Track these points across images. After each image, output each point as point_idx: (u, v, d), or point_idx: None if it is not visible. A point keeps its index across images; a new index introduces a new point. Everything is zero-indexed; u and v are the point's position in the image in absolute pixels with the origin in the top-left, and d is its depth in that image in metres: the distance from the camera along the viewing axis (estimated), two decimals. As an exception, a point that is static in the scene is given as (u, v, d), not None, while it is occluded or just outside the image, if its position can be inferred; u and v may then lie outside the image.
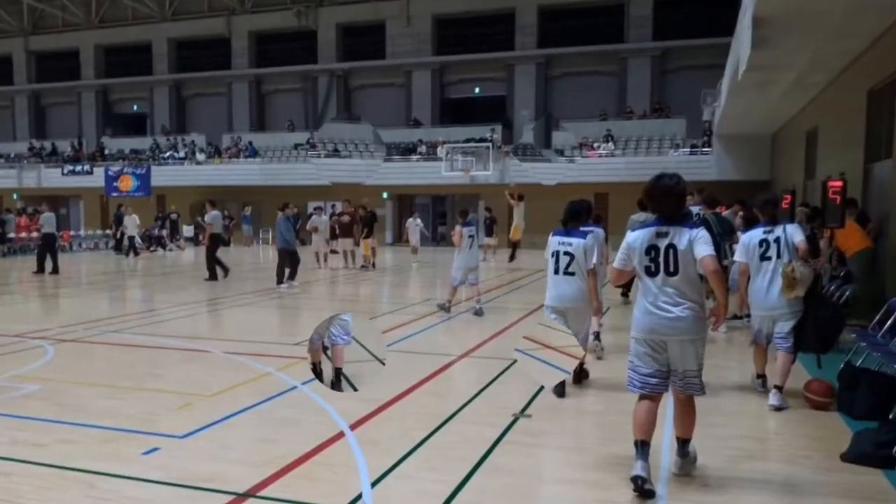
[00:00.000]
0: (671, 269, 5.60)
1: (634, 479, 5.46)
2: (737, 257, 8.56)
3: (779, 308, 8.03)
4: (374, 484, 5.72)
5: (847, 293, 11.60)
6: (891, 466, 6.06)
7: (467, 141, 41.41)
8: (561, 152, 40.14)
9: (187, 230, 41.34)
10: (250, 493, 5.54)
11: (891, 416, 6.88)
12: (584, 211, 8.86)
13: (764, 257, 8.12)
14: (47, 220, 24.64)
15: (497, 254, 30.36)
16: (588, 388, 8.90)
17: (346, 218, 26.17)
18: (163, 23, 52.29)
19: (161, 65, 53.04)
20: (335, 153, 43.61)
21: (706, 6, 39.41)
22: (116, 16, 53.67)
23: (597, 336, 10.66)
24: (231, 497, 5.47)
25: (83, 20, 53.84)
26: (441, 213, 43.73)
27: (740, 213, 13.26)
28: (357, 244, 26.12)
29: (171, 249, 37.71)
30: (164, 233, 38.59)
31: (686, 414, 5.90)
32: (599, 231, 9.81)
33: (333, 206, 35.94)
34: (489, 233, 29.74)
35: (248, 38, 50.91)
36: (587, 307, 8.57)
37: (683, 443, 5.95)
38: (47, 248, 24.35)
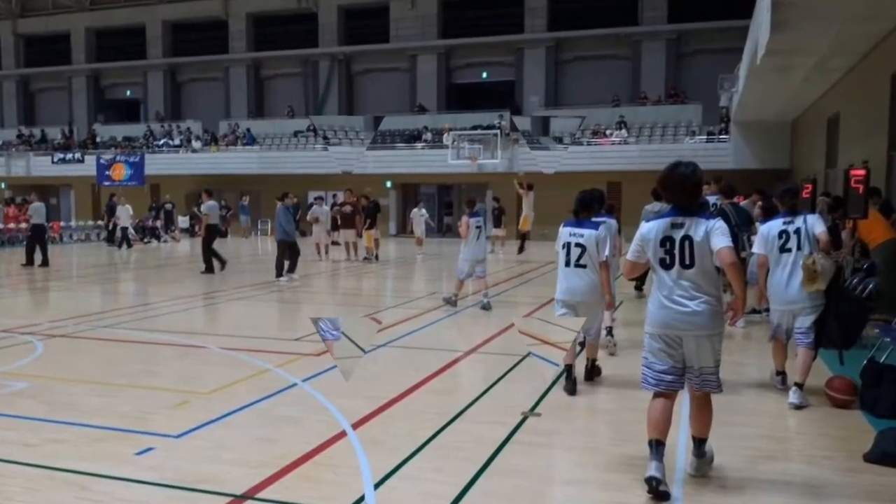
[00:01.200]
0: (687, 261, 5.59)
1: (649, 481, 5.45)
2: (755, 249, 8.53)
3: (799, 302, 8.00)
4: (377, 485, 5.71)
5: (870, 286, 11.56)
6: (916, 467, 6.05)
7: (474, 128, 41.34)
8: (560, 139, 40.11)
9: (182, 221, 41.31)
10: (248, 495, 5.53)
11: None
12: (596, 201, 8.85)
13: (784, 249, 8.09)
14: (36, 211, 24.64)
15: (505, 245, 30.35)
16: (600, 385, 8.89)
17: (348, 208, 26.17)
18: (157, 5, 52.31)
19: (155, 48, 53.07)
20: (325, 140, 43.68)
21: (723, -13, 39.35)
22: (109, -3, 53.76)
23: (609, 331, 10.65)
24: (228, 499, 5.47)
25: (74, 2, 53.90)
26: (447, 203, 43.71)
27: (759, 203, 13.24)
28: (359, 235, 26.13)
29: (165, 241, 37.74)
30: (159, 224, 38.61)
31: (702, 412, 5.88)
32: (612, 222, 9.80)
33: (335, 195, 35.97)
34: (497, 224, 29.74)
35: (246, 21, 50.92)
36: (599, 301, 8.56)
37: (700, 442, 5.94)
38: (36, 239, 24.35)
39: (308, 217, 26.60)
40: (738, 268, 5.58)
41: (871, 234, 12.65)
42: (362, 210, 26.13)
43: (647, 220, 5.87)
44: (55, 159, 47.41)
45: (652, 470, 5.47)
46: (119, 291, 19.48)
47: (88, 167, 43.52)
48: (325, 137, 43.85)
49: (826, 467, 6.17)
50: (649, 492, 5.44)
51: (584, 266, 8.38)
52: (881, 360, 8.53)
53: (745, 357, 10.60)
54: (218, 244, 22.49)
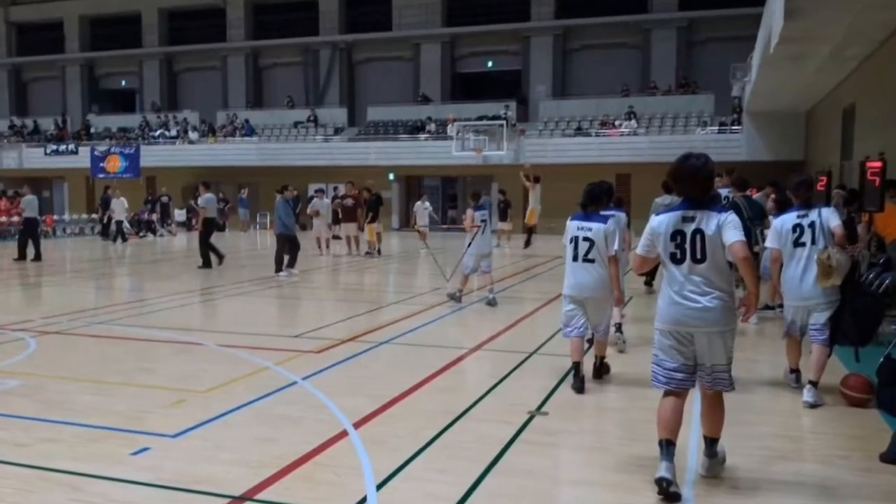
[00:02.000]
0: (698, 255, 5.58)
1: (659, 482, 5.44)
2: (768, 243, 8.51)
3: (814, 298, 7.99)
4: (379, 486, 5.71)
5: (887, 282, 11.51)
6: (934, 468, 6.04)
7: (479, 118, 41.33)
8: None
9: (179, 214, 41.39)
10: (247, 497, 5.54)
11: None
12: (604, 193, 8.83)
13: (798, 243, 8.07)
14: (29, 204, 24.64)
15: (511, 239, 30.36)
16: (609, 383, 8.88)
17: (349, 201, 26.12)
18: (153, -9, 52.32)
19: (151, 36, 53.05)
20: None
21: (736, -27, 39.26)
22: (103, -16, 53.73)
23: (618, 328, 10.63)
24: (226, 500, 5.47)
25: (67, -11, 53.90)
26: (451, 195, 43.60)
27: (772, 195, 13.20)
28: (361, 229, 26.11)
29: (161, 235, 37.77)
30: (155, 217, 38.62)
31: (714, 411, 5.88)
32: (621, 215, 9.78)
33: (336, 188, 35.96)
34: (503, 217, 29.71)
35: (245, 8, 50.86)
36: (608, 297, 8.56)
37: (711, 442, 5.93)
38: (29, 233, 24.36)
39: (308, 210, 26.57)
40: (750, 262, 5.56)
41: (888, 227, 12.63)
42: (364, 203, 26.10)
43: (658, 214, 5.86)
44: (48, 151, 47.43)
45: (662, 470, 5.47)
46: (114, 287, 19.49)
47: (82, 159, 43.55)
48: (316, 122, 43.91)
49: (841, 468, 6.16)
50: (659, 493, 5.43)
51: (592, 261, 8.37)
52: (898, 358, 8.51)
53: (758, 354, 10.59)
54: (215, 238, 22.48)
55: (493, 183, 37.69)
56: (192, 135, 46.82)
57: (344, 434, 6.90)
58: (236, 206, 41.45)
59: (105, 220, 35.09)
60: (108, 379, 9.11)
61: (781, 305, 9.18)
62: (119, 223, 32.96)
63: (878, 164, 11.73)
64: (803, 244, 8.03)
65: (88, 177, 43.21)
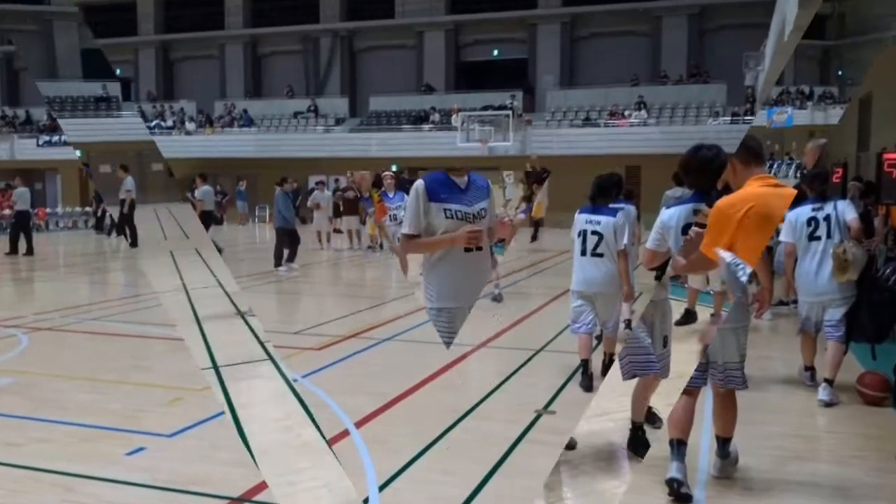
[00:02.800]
0: (710, 250, 5.56)
1: (670, 482, 5.44)
2: (782, 237, 8.49)
3: (829, 293, 7.97)
4: (381, 487, 5.71)
5: (904, 277, 11.52)
6: (954, 469, 6.03)
7: (485, 108, 41.27)
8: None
9: (176, 207, 41.40)
10: (245, 498, 5.54)
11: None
12: (614, 186, 8.80)
13: (812, 237, 8.06)
14: (21, 196, 24.61)
15: (518, 233, 30.31)
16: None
17: (351, 194, 26.11)
18: (148, -21, 52.30)
19: (147, 24, 53.03)
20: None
21: (750, -42, 39.18)
22: (97, -29, 53.71)
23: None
24: (224, 501, 5.48)
25: (61, -24, 53.89)
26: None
27: (787, 188, 13.17)
28: (363, 222, 26.09)
29: (158, 229, 37.79)
30: (151, 210, 38.64)
31: (726, 410, 5.87)
32: (631, 208, 9.75)
33: (337, 180, 35.94)
34: (508, 211, 29.71)
35: (243, -5, 50.93)
36: (617, 292, 8.53)
37: (724, 442, 5.92)
38: (21, 227, 24.30)
39: (308, 203, 26.52)
40: (764, 257, 5.55)
41: (906, 221, 12.60)
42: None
43: (668, 207, 5.85)
44: (41, 142, 47.34)
45: (673, 471, 5.46)
46: (108, 282, 19.51)
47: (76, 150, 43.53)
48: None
49: (857, 468, 6.15)
50: (670, 494, 5.43)
51: (601, 255, 8.35)
52: (916, 355, 8.50)
53: (771, 351, 10.56)
54: (213, 232, 22.50)
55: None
56: (189, 125, 46.79)
57: (345, 433, 6.89)
58: (234, 199, 41.37)
59: (99, 214, 35.10)
60: (102, 377, 9.11)
61: (796, 301, 9.18)
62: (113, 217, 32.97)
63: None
64: (818, 238, 8.01)
65: (82, 169, 43.17)
